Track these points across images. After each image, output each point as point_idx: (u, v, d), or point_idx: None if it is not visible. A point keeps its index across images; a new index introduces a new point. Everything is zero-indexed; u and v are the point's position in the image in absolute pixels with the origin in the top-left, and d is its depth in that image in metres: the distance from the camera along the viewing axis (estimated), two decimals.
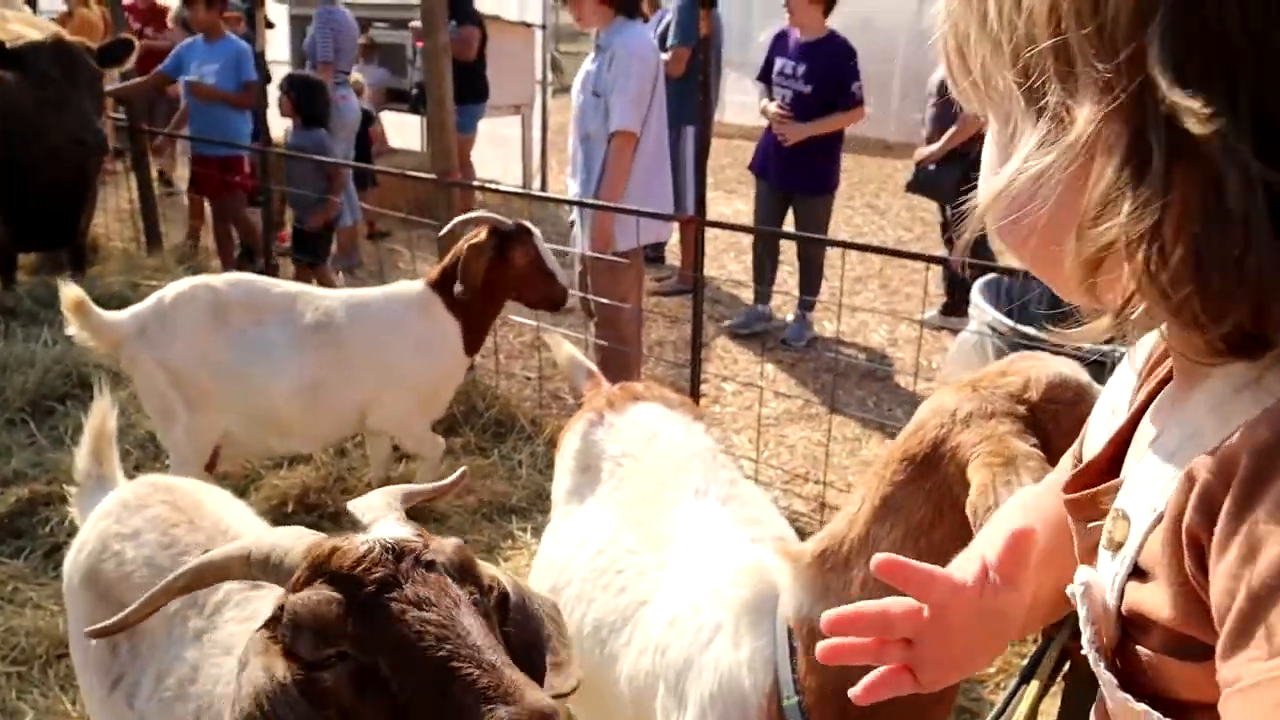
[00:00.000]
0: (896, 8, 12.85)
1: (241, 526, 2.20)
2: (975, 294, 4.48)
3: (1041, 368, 1.60)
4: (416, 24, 9.36)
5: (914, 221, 9.83)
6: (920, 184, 6.74)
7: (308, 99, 6.82)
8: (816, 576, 1.71)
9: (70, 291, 3.82)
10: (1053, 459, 1.51)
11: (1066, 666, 1.48)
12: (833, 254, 6.70)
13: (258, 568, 1.36)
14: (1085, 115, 0.66)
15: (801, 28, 6.18)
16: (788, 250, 6.98)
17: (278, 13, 10.47)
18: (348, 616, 1.22)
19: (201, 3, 7.20)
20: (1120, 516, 0.77)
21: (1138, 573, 0.75)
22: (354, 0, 9.04)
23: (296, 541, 1.35)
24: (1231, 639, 0.63)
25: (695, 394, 4.82)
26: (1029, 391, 1.56)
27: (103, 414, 2.46)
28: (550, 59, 12.10)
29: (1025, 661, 1.32)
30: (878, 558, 0.96)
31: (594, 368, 3.07)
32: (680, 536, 2.19)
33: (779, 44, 6.44)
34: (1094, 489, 0.85)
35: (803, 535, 2.22)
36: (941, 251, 6.63)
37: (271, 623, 1.30)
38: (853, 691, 1.04)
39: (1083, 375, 1.60)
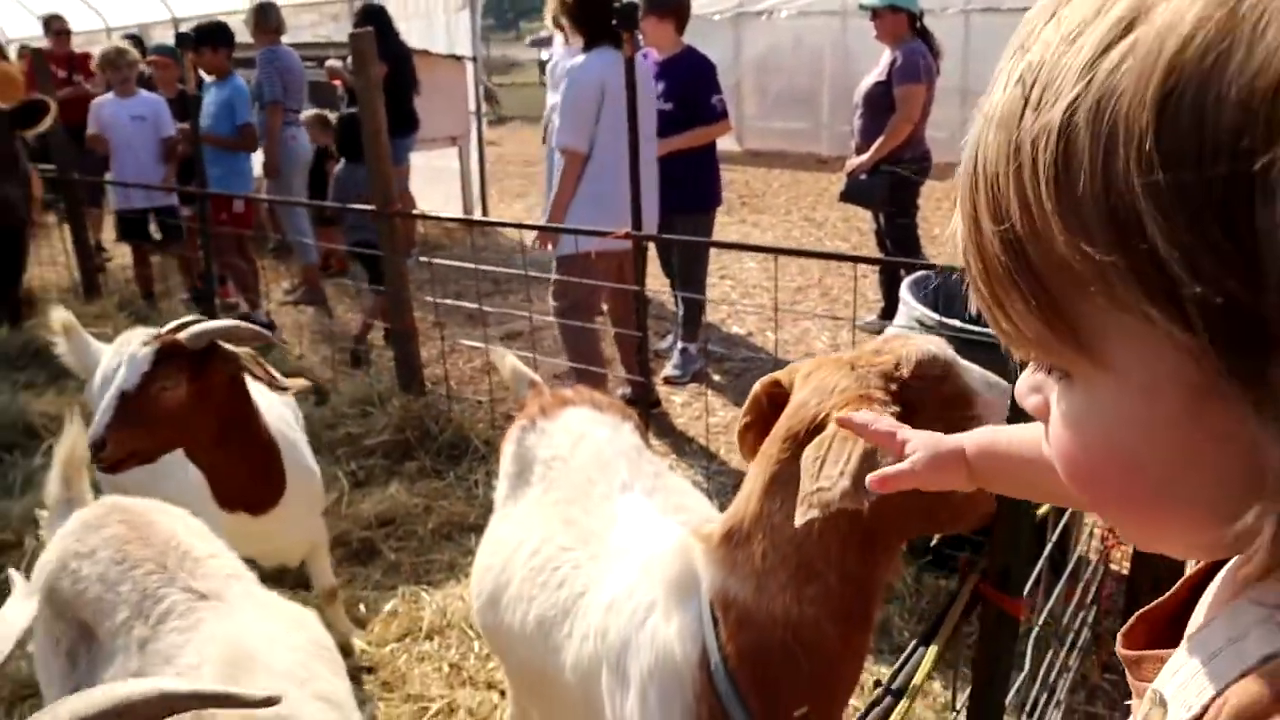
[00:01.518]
0: (823, 25, 13.16)
1: (193, 543, 2.27)
2: (904, 289, 4.65)
3: (913, 346, 1.74)
4: (334, 63, 9.46)
5: (850, 231, 10.08)
6: (852, 193, 6.91)
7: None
8: (725, 553, 1.85)
9: (59, 315, 4.08)
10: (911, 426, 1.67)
11: (978, 608, 1.61)
12: (771, 265, 6.85)
13: None
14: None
15: (656, 47, 6.16)
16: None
17: None
18: None
19: (208, 46, 7.25)
20: (1158, 703, 0.64)
21: None
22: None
23: None
24: None
25: (647, 402, 4.95)
26: (900, 369, 1.70)
27: (74, 439, 2.53)
28: (484, 90, 12.22)
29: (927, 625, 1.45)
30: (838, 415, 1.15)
31: (537, 378, 3.17)
32: (610, 529, 2.31)
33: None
34: (1140, 653, 0.70)
35: None
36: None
37: None
38: (871, 477, 1.30)
39: (950, 353, 1.74)
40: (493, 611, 2.52)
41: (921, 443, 1.30)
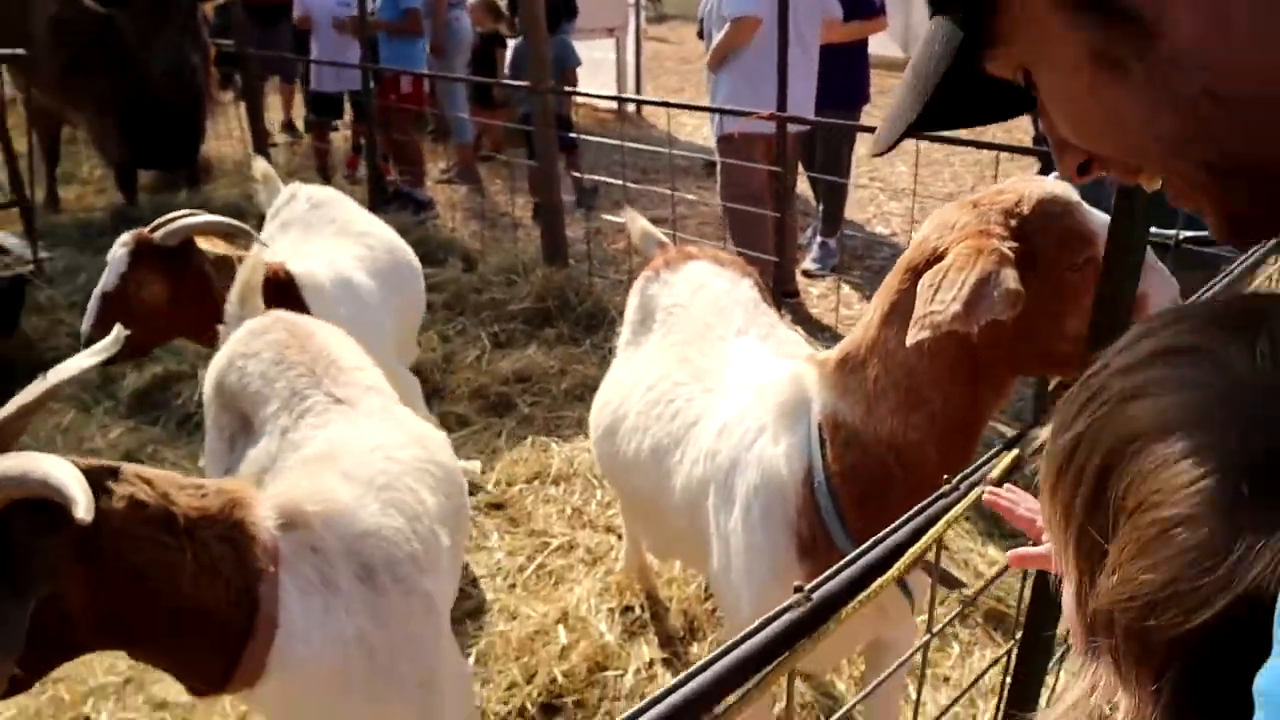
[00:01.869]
0: None
1: (342, 355, 2.46)
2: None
3: (1035, 185, 1.76)
4: None
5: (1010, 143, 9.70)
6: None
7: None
8: (839, 378, 1.94)
9: (260, 165, 4.38)
10: (1040, 269, 1.70)
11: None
12: (921, 172, 6.71)
13: None
14: None
15: None
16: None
17: None
18: None
19: None
20: None
21: None
22: None
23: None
24: None
25: (784, 285, 5.00)
26: (1021, 206, 1.72)
27: (252, 265, 2.75)
28: None
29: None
30: (981, 487, 1.36)
31: (665, 239, 3.26)
32: (724, 368, 2.42)
33: None
34: None
35: None
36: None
37: None
38: (1010, 556, 1.35)
39: (1073, 194, 1.74)
40: (609, 442, 2.67)
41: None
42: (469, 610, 3.28)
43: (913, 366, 1.82)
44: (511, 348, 5.01)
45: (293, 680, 1.76)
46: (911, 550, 1.32)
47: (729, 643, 1.14)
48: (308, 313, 3.22)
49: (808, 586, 1.23)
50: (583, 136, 6.31)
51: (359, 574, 1.86)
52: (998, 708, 2.03)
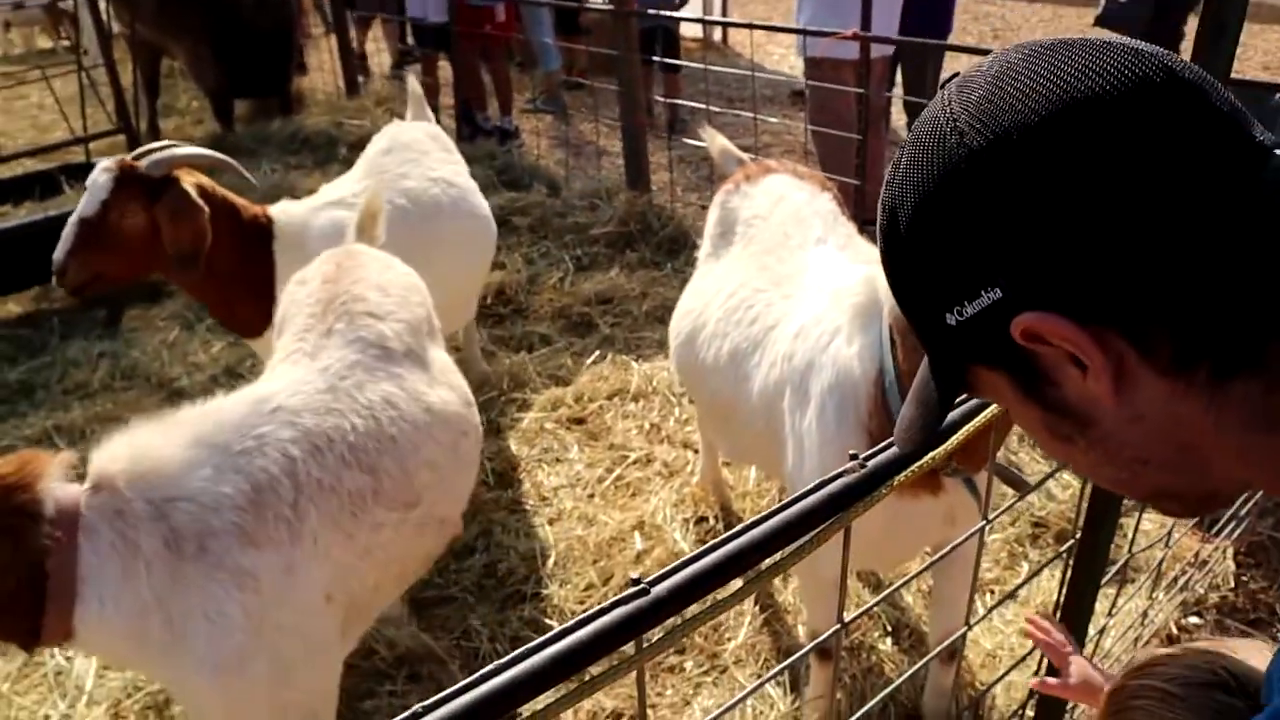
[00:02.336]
0: None
1: (372, 301, 2.44)
2: None
3: None
4: None
5: None
6: (1112, 18, 6.48)
7: None
8: None
9: (414, 84, 4.22)
10: None
11: None
12: None
13: None
14: None
15: None
16: None
17: None
18: None
19: None
20: None
21: None
22: None
23: None
24: None
25: (866, 212, 4.96)
26: None
27: (372, 194, 2.87)
28: None
29: None
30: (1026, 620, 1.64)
31: (744, 157, 3.28)
32: (803, 274, 2.46)
33: None
34: None
35: None
36: None
37: None
38: (1031, 683, 1.66)
39: None
40: (689, 349, 2.74)
41: (1079, 669, 1.55)
42: (549, 517, 3.40)
43: None
44: (594, 270, 5.09)
45: (100, 639, 1.85)
46: (965, 428, 1.36)
47: (785, 501, 1.21)
48: (271, 257, 3.22)
49: (863, 455, 1.29)
50: (666, 60, 6.29)
51: (166, 538, 1.82)
52: (1055, 613, 2.06)
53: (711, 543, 1.16)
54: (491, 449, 3.77)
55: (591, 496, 3.50)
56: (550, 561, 3.18)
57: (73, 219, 3.03)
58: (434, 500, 2.28)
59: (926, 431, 0.98)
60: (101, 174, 3.03)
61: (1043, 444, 0.90)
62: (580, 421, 3.92)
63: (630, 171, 5.81)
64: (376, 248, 2.78)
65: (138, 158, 3.06)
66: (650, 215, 5.44)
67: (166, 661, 1.91)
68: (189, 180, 3.08)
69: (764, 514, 1.20)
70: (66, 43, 11.57)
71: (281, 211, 3.32)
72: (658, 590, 1.11)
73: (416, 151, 3.75)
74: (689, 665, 2.81)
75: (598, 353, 4.35)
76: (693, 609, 1.15)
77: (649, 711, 2.65)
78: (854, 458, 1.27)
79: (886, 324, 2.02)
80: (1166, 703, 1.10)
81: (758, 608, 2.99)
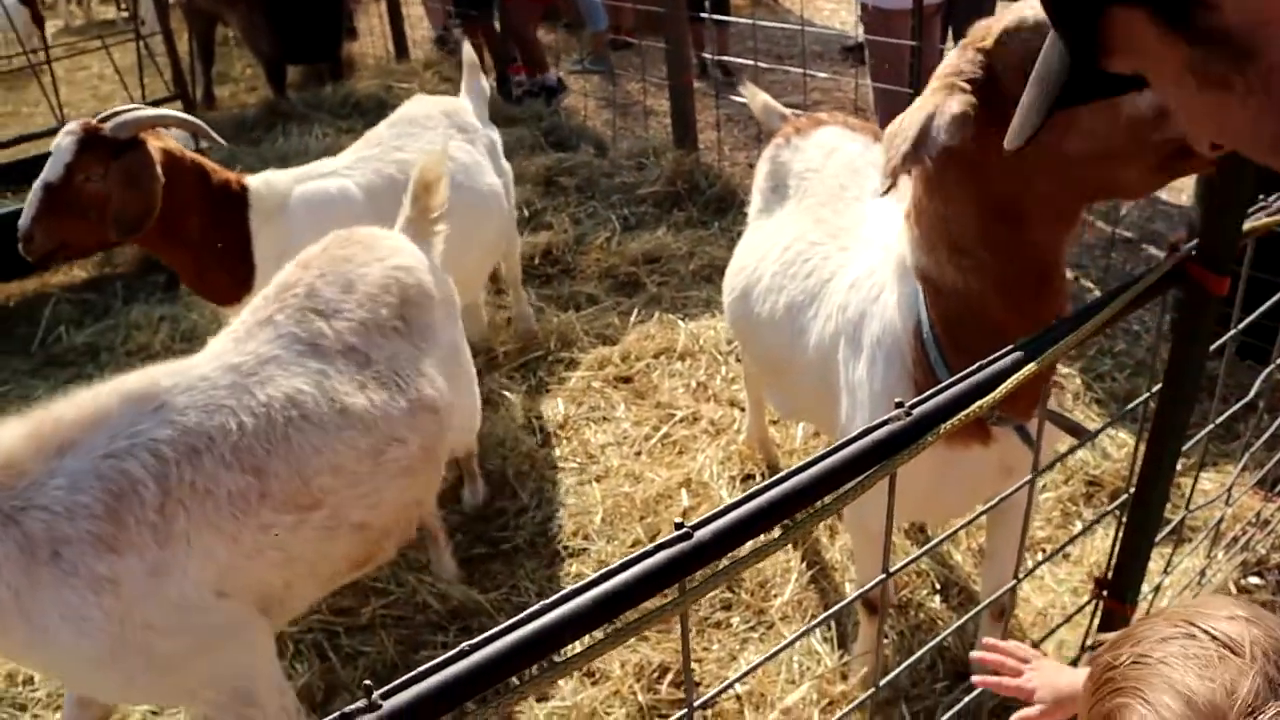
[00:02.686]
0: None
1: (331, 295, 2.41)
2: None
3: (1009, 15, 1.67)
4: None
5: None
6: None
7: None
8: (909, 232, 1.95)
9: (469, 53, 4.15)
10: (1001, 93, 1.61)
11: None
12: None
13: None
14: None
15: None
16: None
17: None
18: None
19: None
20: None
21: None
22: None
23: None
24: None
25: None
26: (986, 39, 1.67)
27: (432, 161, 2.82)
28: None
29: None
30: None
31: (788, 113, 3.24)
32: (859, 226, 2.43)
33: None
34: None
35: None
36: None
37: None
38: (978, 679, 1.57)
39: (1040, 14, 1.62)
40: (743, 304, 2.73)
41: (1043, 684, 1.47)
42: (596, 474, 3.42)
43: (941, 217, 1.82)
44: (641, 230, 5.07)
45: None
46: (1015, 377, 1.34)
47: (832, 446, 1.20)
48: (246, 226, 3.17)
49: (908, 403, 1.27)
50: (714, 17, 6.21)
51: (19, 542, 1.83)
52: (1105, 576, 2.03)
53: (755, 488, 1.16)
54: (539, 408, 3.79)
55: (638, 454, 3.51)
56: (598, 518, 3.20)
57: (36, 185, 2.93)
58: (343, 506, 2.20)
59: (1043, 113, 0.88)
60: (66, 137, 2.94)
61: (1186, 112, 0.78)
62: (627, 380, 3.92)
63: (677, 130, 5.76)
64: (433, 218, 2.77)
65: (103, 120, 2.97)
66: (698, 174, 5.40)
67: (33, 655, 1.96)
68: (155, 144, 3.00)
69: (808, 460, 1.20)
70: (125, 14, 11.72)
71: (262, 181, 3.26)
72: (701, 534, 1.11)
73: (420, 126, 3.67)
74: (735, 621, 2.83)
75: (644, 312, 4.35)
76: (743, 558, 1.15)
77: (695, 665, 2.67)
78: (899, 405, 1.26)
79: (911, 267, 1.98)
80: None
81: (804, 564, 2.99)
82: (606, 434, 3.62)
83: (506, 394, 3.86)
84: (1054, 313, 1.77)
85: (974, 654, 1.58)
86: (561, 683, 2.63)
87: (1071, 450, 1.75)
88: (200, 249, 3.13)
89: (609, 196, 5.35)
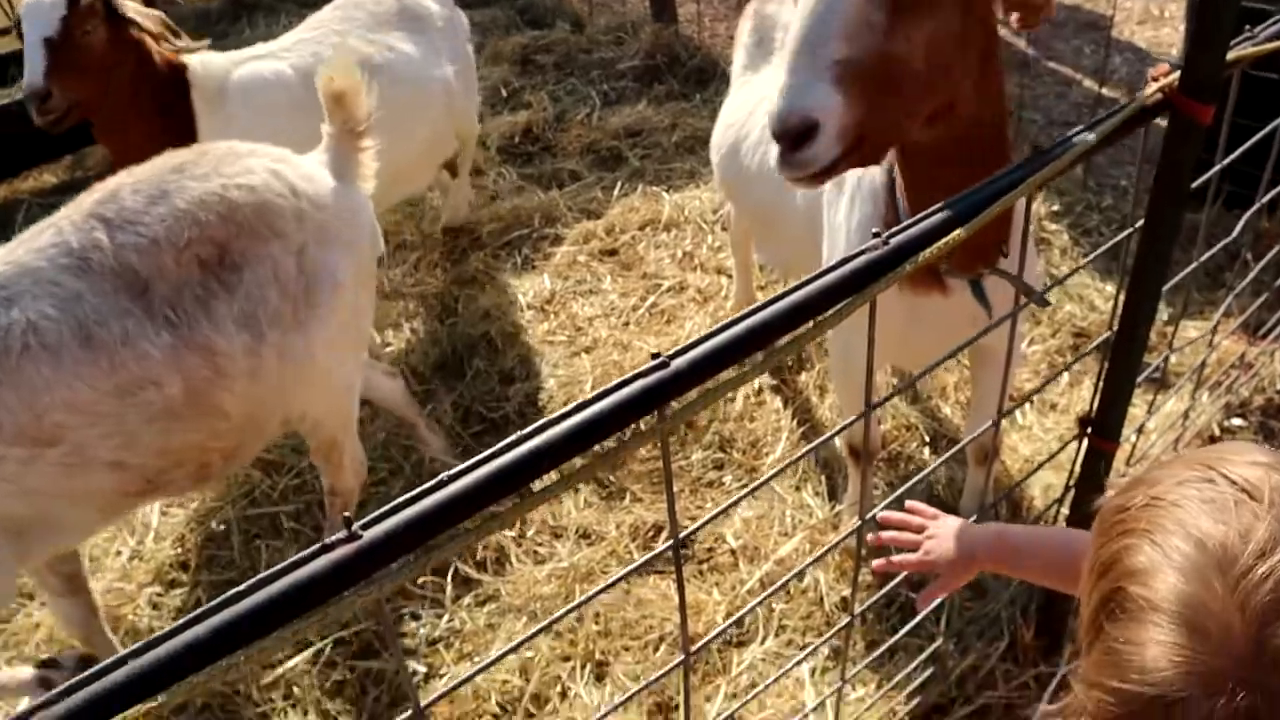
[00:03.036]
0: None
1: (267, 165, 2.28)
2: None
3: None
4: None
5: None
6: None
7: None
8: None
9: None
10: None
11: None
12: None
13: None
14: None
15: None
16: None
17: None
18: None
19: None
20: None
21: None
22: None
23: None
24: None
25: None
26: None
27: (342, 65, 2.44)
28: None
29: None
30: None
31: None
32: None
33: None
34: None
35: None
36: None
37: None
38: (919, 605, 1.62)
39: None
40: (732, 160, 2.71)
41: (940, 553, 1.49)
42: (585, 346, 3.43)
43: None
44: (621, 105, 4.97)
45: None
46: (998, 203, 1.33)
47: (813, 275, 1.20)
48: (190, 109, 3.03)
49: (886, 233, 1.26)
50: None
51: None
52: (1089, 415, 2.05)
53: (732, 317, 1.15)
54: (526, 284, 3.78)
55: (626, 325, 3.51)
56: (588, 387, 3.22)
57: (33, 41, 2.75)
58: (87, 445, 2.03)
59: None
60: None
61: None
62: (613, 253, 3.90)
63: (655, 3, 5.61)
64: (359, 130, 2.44)
65: None
66: (678, 47, 5.27)
67: None
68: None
69: (786, 289, 1.19)
70: None
71: (199, 62, 3.10)
72: (678, 363, 1.12)
73: (365, 13, 3.46)
74: (728, 480, 2.87)
75: (628, 185, 4.30)
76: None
77: (688, 522, 2.72)
78: (877, 235, 1.25)
79: None
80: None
81: (795, 422, 3.02)
82: (594, 306, 3.62)
83: (492, 273, 3.84)
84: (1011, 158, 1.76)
85: (870, 535, 1.60)
86: (558, 544, 2.69)
87: (1022, 308, 1.72)
88: (144, 133, 2.97)
89: (588, 73, 5.23)
